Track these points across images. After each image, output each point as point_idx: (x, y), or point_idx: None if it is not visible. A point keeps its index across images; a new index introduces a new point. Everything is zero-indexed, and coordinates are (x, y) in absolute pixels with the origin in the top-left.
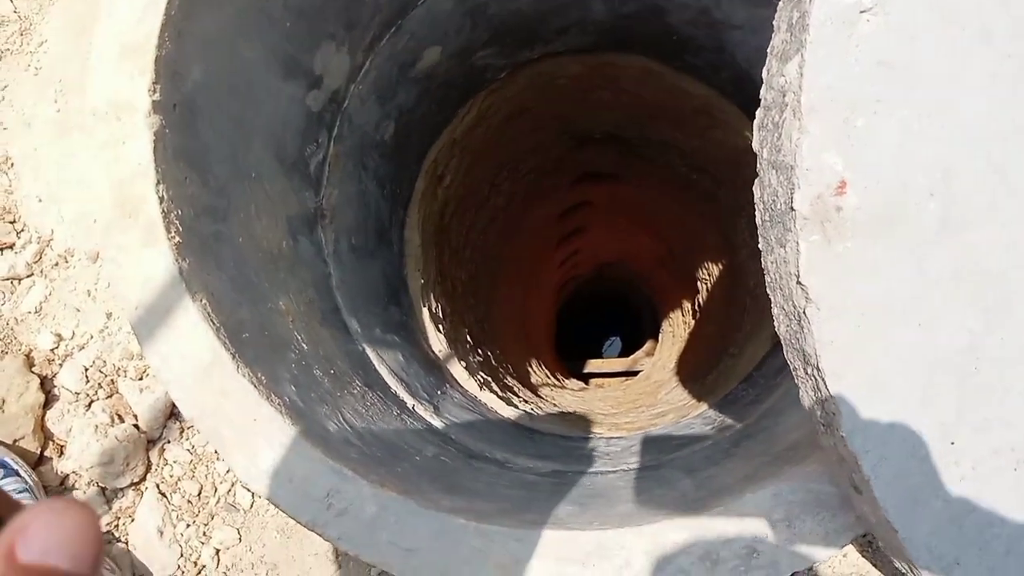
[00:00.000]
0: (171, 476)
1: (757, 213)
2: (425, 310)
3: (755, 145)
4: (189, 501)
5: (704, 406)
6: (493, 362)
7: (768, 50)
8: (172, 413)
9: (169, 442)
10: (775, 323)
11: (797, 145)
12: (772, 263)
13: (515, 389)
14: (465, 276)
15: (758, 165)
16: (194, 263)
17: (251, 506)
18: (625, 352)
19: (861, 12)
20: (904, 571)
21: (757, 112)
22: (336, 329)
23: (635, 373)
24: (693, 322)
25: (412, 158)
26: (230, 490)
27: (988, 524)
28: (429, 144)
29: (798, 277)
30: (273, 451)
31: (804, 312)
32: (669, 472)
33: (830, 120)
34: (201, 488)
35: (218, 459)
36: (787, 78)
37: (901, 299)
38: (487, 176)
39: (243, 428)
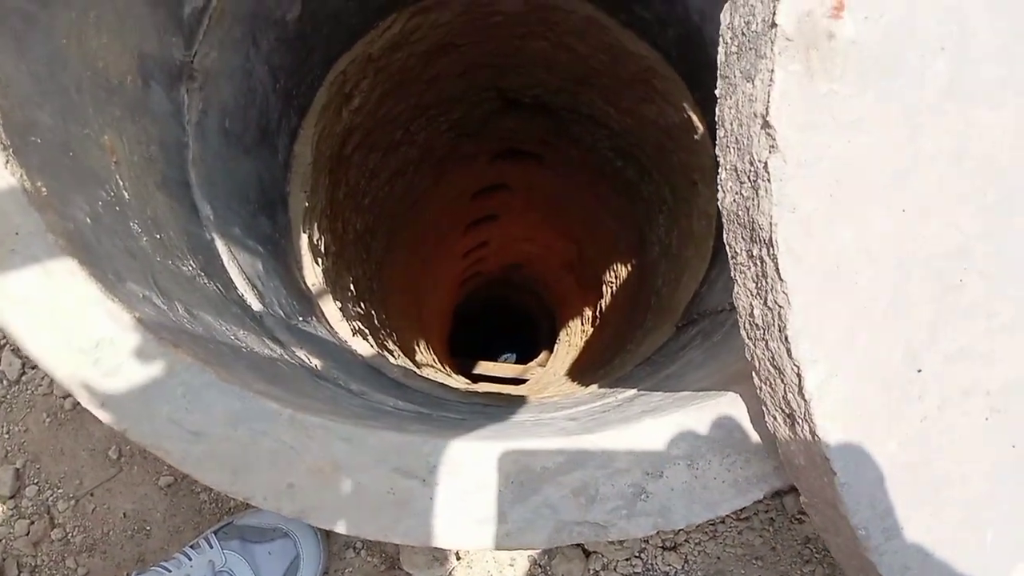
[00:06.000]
0: None
1: (720, 49)
2: (305, 237)
3: None
4: None
5: (594, 386)
6: (376, 322)
7: None
8: None
9: None
10: (719, 194)
11: None
12: (731, 108)
13: (395, 354)
14: (360, 225)
15: None
16: None
17: (18, 378)
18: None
19: None
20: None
21: None
22: (178, 202)
23: (524, 382)
24: (592, 329)
25: (318, 60)
26: None
27: (946, 483)
28: (340, 51)
29: (765, 118)
30: (32, 275)
31: (765, 166)
32: (550, 419)
33: None
34: None
35: None
36: None
37: (887, 171)
38: (402, 116)
39: None
